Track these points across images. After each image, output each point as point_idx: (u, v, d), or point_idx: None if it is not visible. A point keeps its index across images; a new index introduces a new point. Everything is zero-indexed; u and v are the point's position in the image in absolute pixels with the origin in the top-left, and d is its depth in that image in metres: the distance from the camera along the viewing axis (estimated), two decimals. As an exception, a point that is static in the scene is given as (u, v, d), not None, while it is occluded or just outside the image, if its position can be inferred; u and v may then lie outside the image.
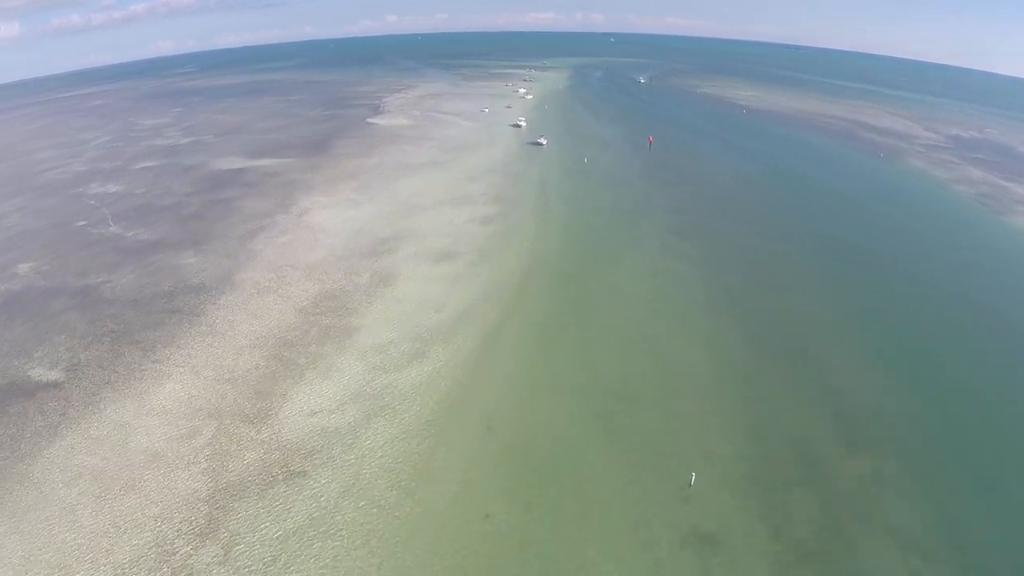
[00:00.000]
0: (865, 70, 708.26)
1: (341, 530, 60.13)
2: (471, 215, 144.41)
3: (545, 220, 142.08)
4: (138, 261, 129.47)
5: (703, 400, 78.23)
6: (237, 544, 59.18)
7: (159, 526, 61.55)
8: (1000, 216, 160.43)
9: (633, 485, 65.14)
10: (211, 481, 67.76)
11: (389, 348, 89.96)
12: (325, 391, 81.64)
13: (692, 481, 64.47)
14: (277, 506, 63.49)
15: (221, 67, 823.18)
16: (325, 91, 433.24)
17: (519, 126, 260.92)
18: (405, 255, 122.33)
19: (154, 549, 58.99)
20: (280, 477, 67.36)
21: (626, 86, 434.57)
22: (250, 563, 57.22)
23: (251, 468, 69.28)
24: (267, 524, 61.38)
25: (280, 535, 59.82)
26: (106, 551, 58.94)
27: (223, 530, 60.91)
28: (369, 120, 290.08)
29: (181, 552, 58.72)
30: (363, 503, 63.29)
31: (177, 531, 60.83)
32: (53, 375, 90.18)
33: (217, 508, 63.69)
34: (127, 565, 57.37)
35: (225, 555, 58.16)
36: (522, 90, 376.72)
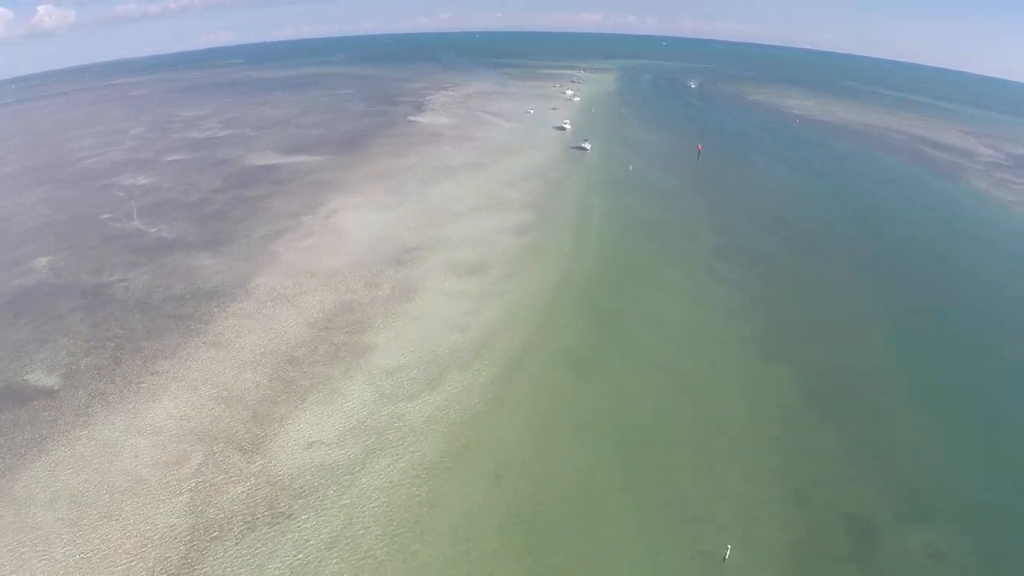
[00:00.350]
0: (922, 82, 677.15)
1: (322, 588, 51.86)
2: (505, 224, 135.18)
3: (582, 233, 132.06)
4: (155, 260, 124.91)
5: (743, 454, 67.99)
6: (207, 595, 51.38)
7: (131, 564, 55.77)
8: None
9: (657, 556, 55.64)
10: (192, 517, 61.11)
11: (401, 373, 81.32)
12: (326, 419, 73.75)
13: (727, 555, 54.70)
14: (257, 553, 56.54)
15: (275, 59, 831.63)
16: (373, 86, 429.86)
17: (564, 129, 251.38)
18: (431, 266, 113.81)
19: (122, 591, 51.90)
20: (265, 518, 60.09)
21: (677, 91, 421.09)
22: (217, 620, 49.29)
23: (236, 505, 62.21)
24: (243, 573, 54.26)
25: (255, 588, 51.82)
26: (72, 589, 52.08)
27: None
28: (411, 118, 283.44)
29: (148, 598, 51.33)
30: (351, 557, 55.71)
31: (150, 571, 54.75)
32: (50, 381, 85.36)
33: (194, 549, 57.20)
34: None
35: (192, 608, 50.46)
36: (569, 92, 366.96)
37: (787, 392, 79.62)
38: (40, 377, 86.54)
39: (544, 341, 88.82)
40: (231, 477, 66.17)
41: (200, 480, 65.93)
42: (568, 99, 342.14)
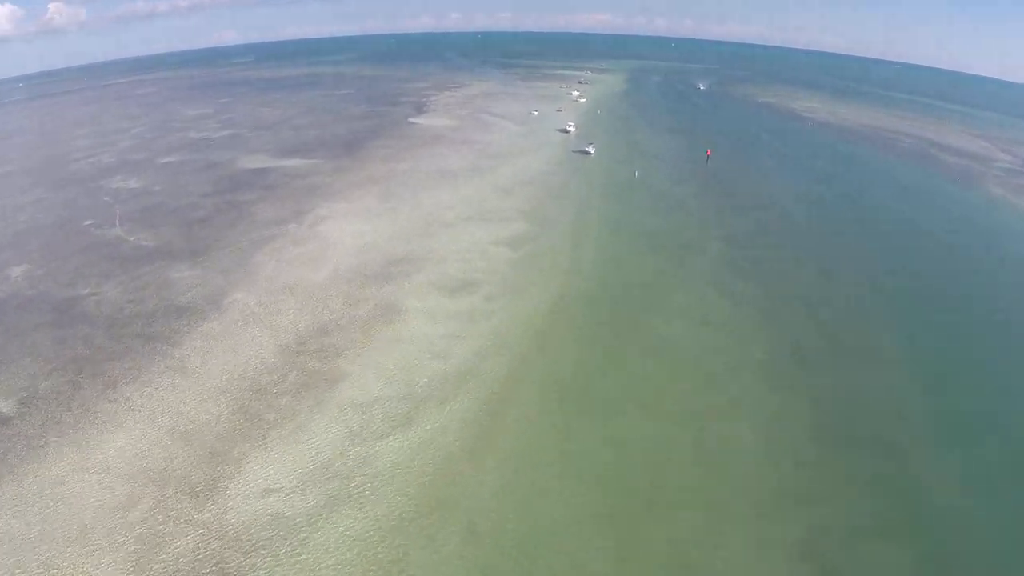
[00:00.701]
0: (929, 84, 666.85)
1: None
2: (499, 236, 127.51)
3: (582, 246, 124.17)
4: (130, 271, 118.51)
5: (754, 516, 60.04)
6: None
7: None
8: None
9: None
10: (134, 573, 54.27)
11: (374, 407, 73.94)
12: (288, 461, 66.55)
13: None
14: (198, 624, 48.24)
15: (281, 58, 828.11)
16: (375, 86, 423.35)
17: (568, 132, 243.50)
18: (416, 282, 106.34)
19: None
20: (211, 580, 51.67)
21: (685, 92, 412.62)
22: None
23: (181, 560, 55.70)
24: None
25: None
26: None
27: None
28: (411, 119, 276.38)
29: None
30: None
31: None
32: (5, 407, 79.18)
33: (131, 614, 49.03)
34: None
35: None
36: (575, 93, 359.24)
37: (801, 429, 72.20)
38: (-4, 403, 78.70)
39: (533, 372, 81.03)
40: (180, 527, 59.49)
41: (147, 529, 59.27)
42: (574, 100, 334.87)
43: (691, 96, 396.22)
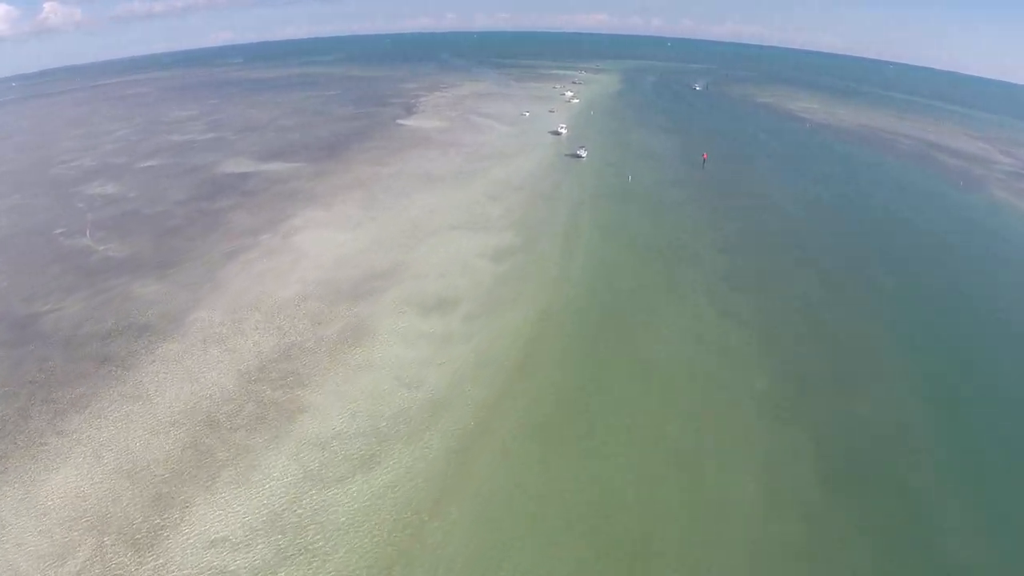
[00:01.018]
0: (925, 83, 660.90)
1: None
2: (483, 246, 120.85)
3: (570, 257, 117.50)
4: (95, 285, 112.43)
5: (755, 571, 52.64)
6: None
7: None
8: None
9: None
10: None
11: (335, 445, 67.28)
12: (238, 507, 60.12)
13: None
14: None
15: (273, 59, 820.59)
16: (366, 87, 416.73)
17: (559, 134, 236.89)
18: (391, 299, 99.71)
19: None
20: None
21: (681, 92, 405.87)
22: None
23: (114, 627, 47.61)
24: None
25: None
26: None
27: None
28: (400, 121, 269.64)
29: None
30: None
31: None
32: (-52, 439, 70.97)
33: None
34: None
35: None
36: (569, 93, 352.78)
37: (805, 471, 65.43)
38: (-62, 434, 72.55)
39: (512, 402, 74.27)
40: (115, 584, 51.83)
41: (80, 584, 51.59)
42: (567, 101, 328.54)
43: (687, 96, 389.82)
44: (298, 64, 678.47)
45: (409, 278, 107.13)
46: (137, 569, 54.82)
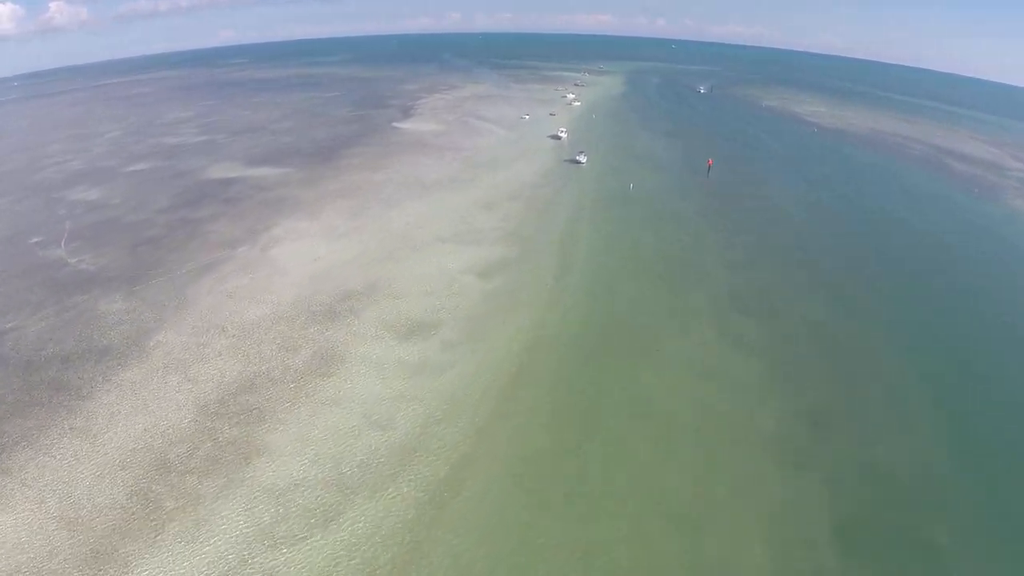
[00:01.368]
0: (932, 86, 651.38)
1: None
2: (472, 261, 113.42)
3: (564, 275, 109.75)
4: (62, 302, 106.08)
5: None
6: None
7: None
8: None
9: None
10: None
11: (292, 496, 59.84)
12: (180, 569, 53.09)
13: None
14: None
15: (276, 58, 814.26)
16: (365, 88, 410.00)
17: (559, 138, 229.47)
18: (367, 321, 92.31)
19: None
20: None
21: (685, 95, 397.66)
22: None
23: None
24: None
25: None
26: None
27: None
28: (396, 124, 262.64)
29: None
30: None
31: None
32: None
33: None
34: None
35: None
36: (570, 95, 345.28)
37: (819, 527, 58.04)
38: None
39: (491, 448, 66.71)
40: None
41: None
42: (568, 103, 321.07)
43: (691, 99, 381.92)
44: (302, 64, 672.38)
45: (389, 297, 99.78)
46: (62, 642, 47.20)
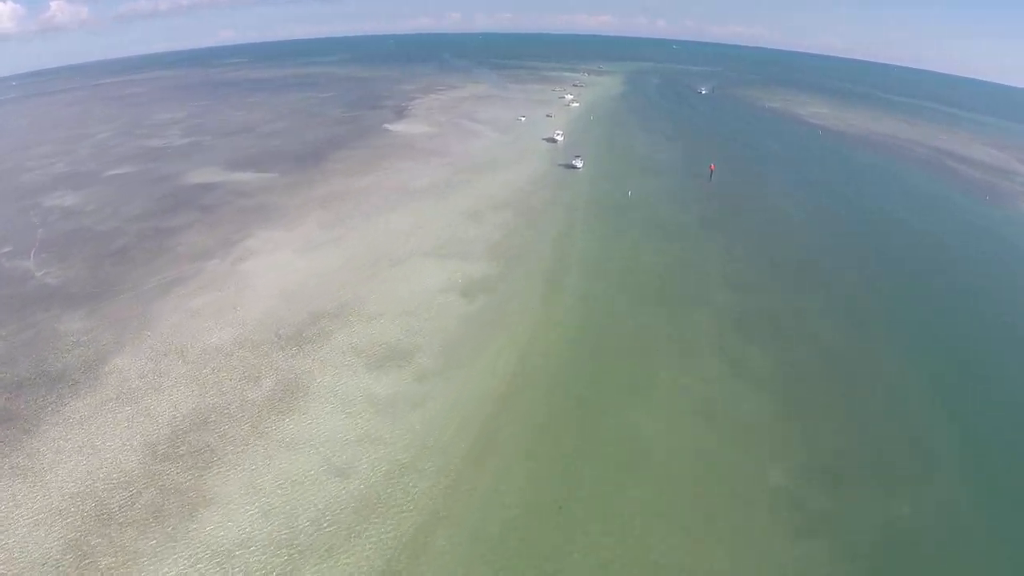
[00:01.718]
0: (932, 87, 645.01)
1: None
2: (455, 279, 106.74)
3: (554, 295, 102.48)
4: (23, 319, 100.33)
5: None
6: None
7: None
8: None
9: None
10: None
11: (236, 557, 53.63)
12: (102, 648, 45.21)
13: None
14: None
15: (274, 58, 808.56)
16: (360, 88, 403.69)
17: (555, 141, 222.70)
18: (336, 347, 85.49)
19: None
20: None
21: (686, 96, 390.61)
22: None
23: None
24: None
25: None
26: None
27: None
28: (387, 126, 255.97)
29: None
30: None
31: None
32: None
33: None
34: None
35: None
36: (569, 96, 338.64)
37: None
38: None
39: (463, 502, 59.73)
40: None
41: None
42: (566, 104, 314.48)
43: (692, 100, 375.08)
44: (300, 64, 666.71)
45: (363, 319, 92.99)
46: None
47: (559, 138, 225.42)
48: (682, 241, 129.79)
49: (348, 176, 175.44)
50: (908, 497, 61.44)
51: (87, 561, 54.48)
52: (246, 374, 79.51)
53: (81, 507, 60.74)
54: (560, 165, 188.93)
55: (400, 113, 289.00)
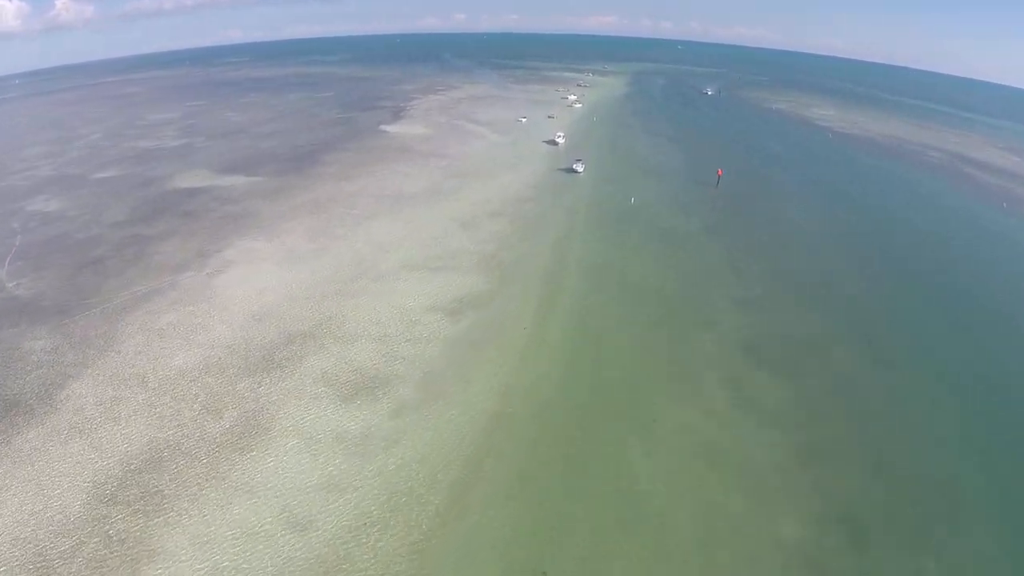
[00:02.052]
0: (940, 89, 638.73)
1: None
2: (441, 296, 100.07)
3: (547, 315, 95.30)
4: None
5: None
6: None
7: None
8: None
9: None
10: None
11: (174, 628, 45.97)
12: None
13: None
14: None
15: (275, 57, 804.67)
16: (359, 89, 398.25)
17: (556, 143, 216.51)
18: (306, 375, 78.92)
19: None
20: None
21: (692, 98, 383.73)
22: None
23: None
24: None
25: None
26: None
27: None
28: (383, 127, 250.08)
29: None
30: None
31: None
32: None
33: None
34: None
35: None
36: (572, 97, 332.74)
37: None
38: None
39: (435, 566, 52.77)
40: None
41: None
42: (569, 105, 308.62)
43: (697, 102, 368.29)
44: (301, 63, 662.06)
45: (338, 341, 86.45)
46: None
47: (560, 140, 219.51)
48: (687, 254, 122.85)
49: (338, 180, 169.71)
50: (935, 551, 54.25)
51: (14, 625, 47.82)
52: (208, 405, 73.14)
53: (20, 556, 55.13)
54: (560, 169, 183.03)
55: (397, 114, 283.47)
